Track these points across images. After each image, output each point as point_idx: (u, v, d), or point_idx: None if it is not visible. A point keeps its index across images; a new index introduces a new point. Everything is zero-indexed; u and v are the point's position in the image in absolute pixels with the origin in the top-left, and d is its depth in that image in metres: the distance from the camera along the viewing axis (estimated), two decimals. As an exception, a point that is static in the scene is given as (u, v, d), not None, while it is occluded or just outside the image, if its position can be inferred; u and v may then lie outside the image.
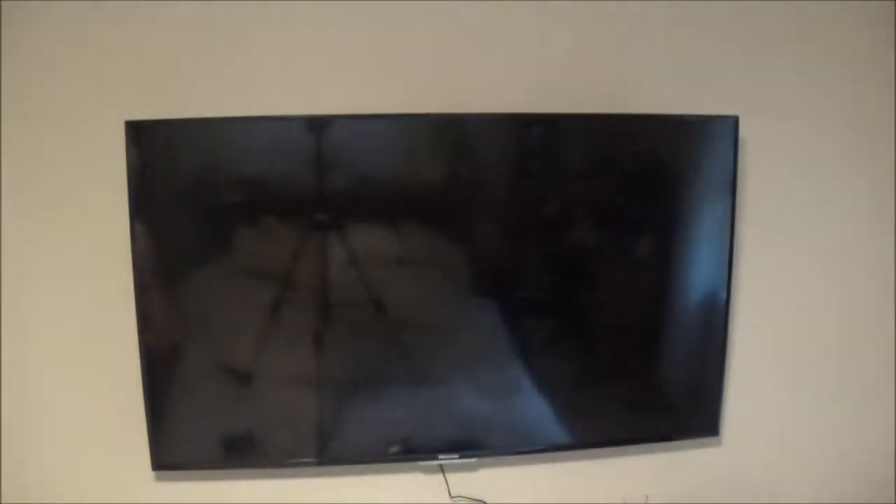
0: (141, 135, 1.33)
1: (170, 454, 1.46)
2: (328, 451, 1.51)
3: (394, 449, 1.53)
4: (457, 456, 1.54)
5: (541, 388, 1.56)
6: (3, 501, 1.50)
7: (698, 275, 1.58)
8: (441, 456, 1.53)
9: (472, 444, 1.55)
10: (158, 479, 1.53)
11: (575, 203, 1.52)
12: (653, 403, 1.64)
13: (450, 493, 1.63)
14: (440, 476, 1.62)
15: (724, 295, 1.58)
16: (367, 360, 1.51)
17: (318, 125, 1.38)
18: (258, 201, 1.42)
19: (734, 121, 1.51)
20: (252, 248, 1.43)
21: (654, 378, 1.63)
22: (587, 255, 1.55)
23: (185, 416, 1.45)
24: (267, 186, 1.42)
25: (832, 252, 1.72)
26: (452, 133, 1.46)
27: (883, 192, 1.72)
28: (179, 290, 1.42)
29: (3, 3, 1.37)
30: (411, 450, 1.54)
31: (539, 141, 1.51)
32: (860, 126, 1.68)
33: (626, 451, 1.70)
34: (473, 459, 1.59)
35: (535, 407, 1.56)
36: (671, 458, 1.73)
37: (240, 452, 1.49)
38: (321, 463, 1.54)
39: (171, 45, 1.44)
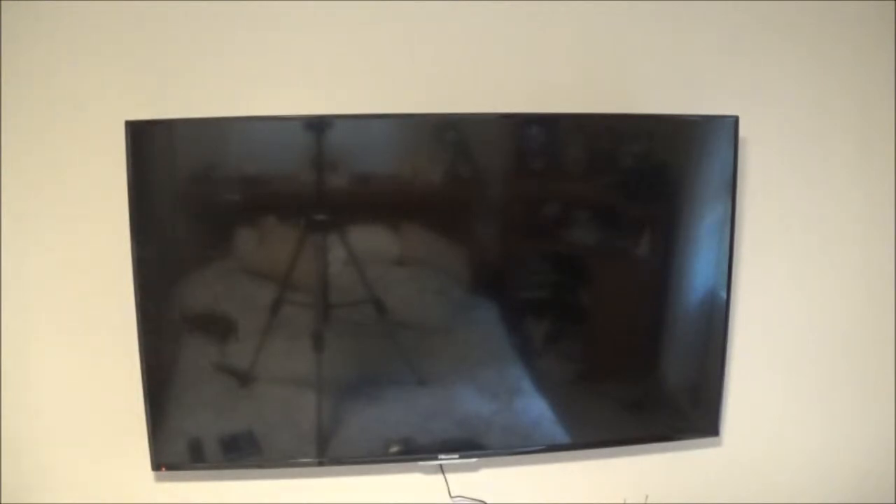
0: (141, 135, 1.33)
1: (170, 454, 1.46)
2: (328, 451, 1.51)
3: (394, 449, 1.53)
4: (457, 456, 1.54)
5: (541, 388, 1.56)
6: (3, 501, 1.50)
7: (698, 275, 1.58)
8: (441, 456, 1.53)
9: (472, 444, 1.55)
10: (158, 479, 1.53)
11: (575, 203, 1.52)
12: (653, 403, 1.64)
13: (450, 493, 1.63)
14: (440, 476, 1.62)
15: (724, 295, 1.58)
16: (367, 360, 1.51)
17: (318, 125, 1.38)
18: (258, 201, 1.42)
19: (734, 121, 1.51)
20: (252, 248, 1.43)
21: (654, 378, 1.63)
22: (587, 255, 1.55)
23: (185, 416, 1.45)
24: (267, 186, 1.43)
25: (832, 252, 1.72)
26: (452, 133, 1.46)
27: (883, 192, 1.72)
28: (179, 289, 1.42)
29: (3, 3, 1.37)
30: (411, 450, 1.54)
31: (539, 141, 1.51)
32: (860, 126, 1.68)
33: (626, 451, 1.70)
34: (473, 459, 1.58)
35: (535, 407, 1.56)
36: (671, 458, 1.73)
37: (240, 452, 1.49)
38: (321, 463, 1.54)
39: (171, 46, 1.44)
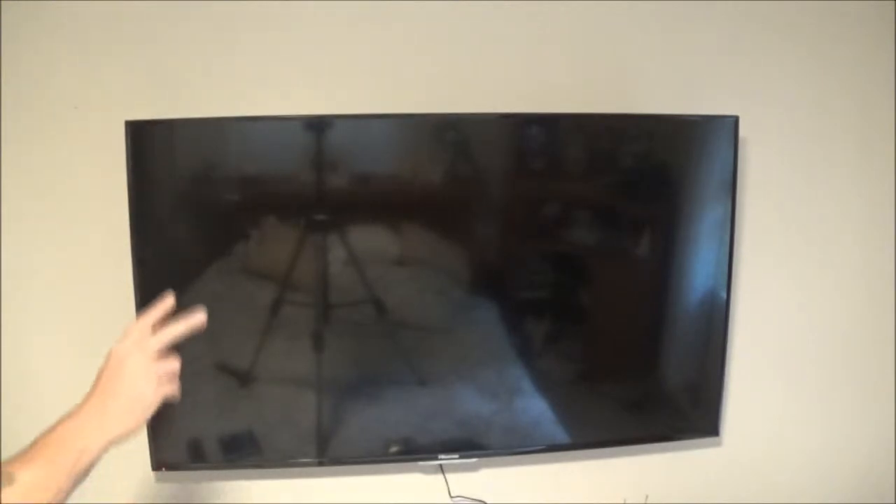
0: (141, 135, 1.33)
1: (170, 454, 1.46)
2: (328, 451, 1.51)
3: (394, 449, 1.53)
4: (457, 456, 1.53)
5: (541, 388, 1.56)
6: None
7: (698, 275, 1.58)
8: (441, 456, 1.53)
9: (472, 444, 1.55)
10: (158, 479, 1.53)
11: (575, 203, 1.52)
12: (653, 403, 1.64)
13: (450, 493, 1.63)
14: (440, 476, 1.62)
15: (724, 295, 1.58)
16: (367, 361, 1.51)
17: (318, 125, 1.38)
18: (258, 201, 1.42)
19: (734, 121, 1.51)
20: (252, 248, 1.43)
21: (654, 378, 1.63)
22: (587, 255, 1.55)
23: (185, 416, 1.45)
24: (267, 186, 1.43)
25: (832, 252, 1.72)
26: (452, 133, 1.46)
27: (882, 192, 1.72)
28: (179, 289, 1.41)
29: (3, 3, 1.37)
30: (411, 450, 1.54)
31: (539, 141, 1.51)
32: (860, 126, 1.68)
33: (626, 451, 1.70)
34: (473, 459, 1.58)
35: (535, 407, 1.56)
36: (671, 458, 1.73)
37: (240, 452, 1.49)
38: (321, 463, 1.54)
39: (171, 46, 1.44)
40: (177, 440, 1.46)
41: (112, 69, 1.42)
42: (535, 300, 1.56)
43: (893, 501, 1.82)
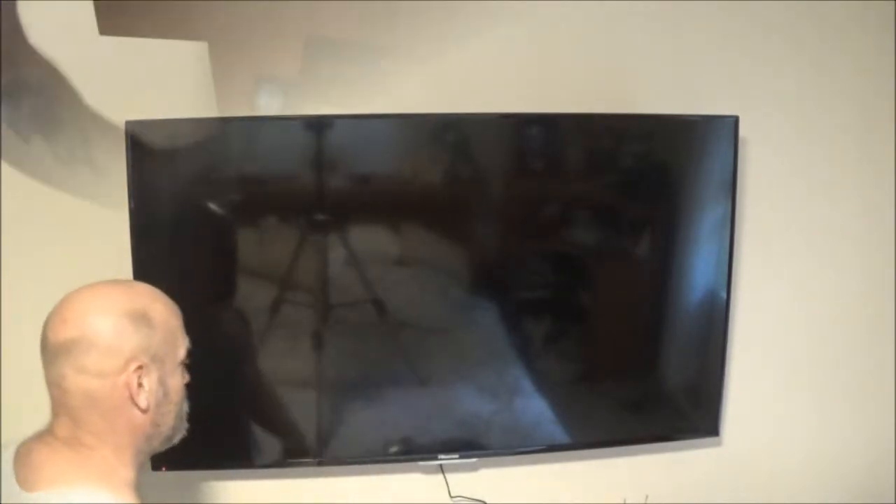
0: (141, 135, 1.33)
1: (170, 454, 1.45)
2: (328, 451, 1.51)
3: (394, 449, 1.53)
4: (457, 456, 1.54)
5: (541, 388, 1.56)
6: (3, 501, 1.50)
7: (698, 275, 1.58)
8: (441, 456, 1.53)
9: (472, 444, 1.55)
10: (158, 479, 1.53)
11: (575, 203, 1.52)
12: (653, 403, 1.64)
13: (450, 493, 1.63)
14: (440, 476, 1.62)
15: (724, 295, 1.58)
16: (367, 361, 1.51)
17: (317, 125, 1.38)
18: (258, 201, 1.42)
19: (734, 121, 1.51)
20: (252, 249, 1.43)
21: (654, 378, 1.63)
22: (587, 255, 1.56)
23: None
24: (267, 187, 1.43)
25: (832, 252, 1.72)
26: (452, 133, 1.46)
27: (883, 192, 1.72)
28: (179, 289, 1.41)
29: (2, 3, 1.37)
30: (411, 450, 1.54)
31: (539, 141, 1.51)
32: (860, 126, 1.68)
33: (626, 451, 1.70)
34: (473, 459, 1.59)
35: (535, 407, 1.56)
36: (671, 458, 1.73)
37: (240, 452, 1.49)
38: (321, 463, 1.54)
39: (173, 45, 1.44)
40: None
41: (113, 69, 1.42)
42: (535, 300, 1.56)
43: (893, 501, 1.82)
